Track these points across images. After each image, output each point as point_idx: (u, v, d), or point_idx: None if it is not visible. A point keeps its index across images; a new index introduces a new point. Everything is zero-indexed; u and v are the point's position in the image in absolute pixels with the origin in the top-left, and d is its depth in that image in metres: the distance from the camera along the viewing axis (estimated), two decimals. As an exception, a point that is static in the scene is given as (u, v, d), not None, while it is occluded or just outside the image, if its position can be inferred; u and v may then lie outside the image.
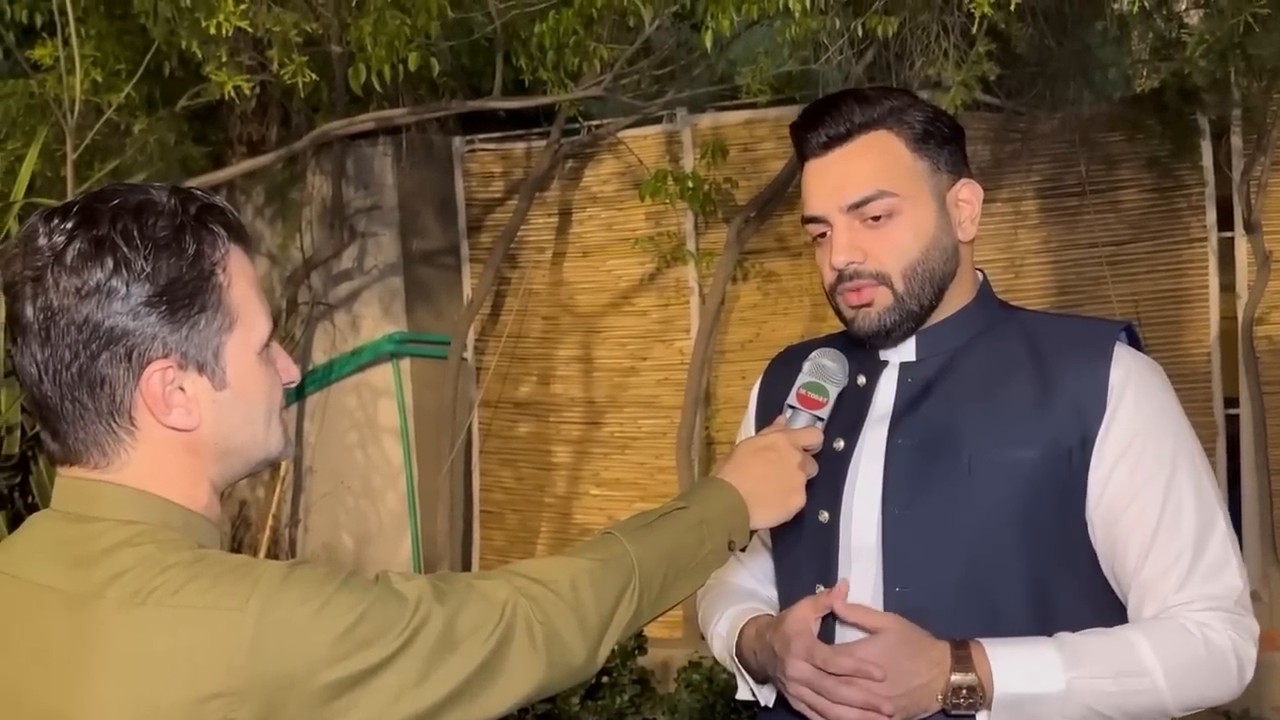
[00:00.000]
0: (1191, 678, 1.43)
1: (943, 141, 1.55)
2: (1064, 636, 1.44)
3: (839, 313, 1.59)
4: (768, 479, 1.47)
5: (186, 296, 1.12)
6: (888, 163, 1.52)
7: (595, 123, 4.92)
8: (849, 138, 1.53)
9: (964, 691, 1.40)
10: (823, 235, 1.56)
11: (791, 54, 3.98)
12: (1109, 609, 1.50)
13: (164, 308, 1.11)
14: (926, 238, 1.52)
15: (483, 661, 1.16)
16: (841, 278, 1.53)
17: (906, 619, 1.46)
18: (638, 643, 4.19)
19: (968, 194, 1.56)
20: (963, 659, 1.41)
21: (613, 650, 1.31)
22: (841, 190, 1.52)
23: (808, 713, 1.48)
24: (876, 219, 1.51)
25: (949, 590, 1.48)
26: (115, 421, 1.13)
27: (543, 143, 5.02)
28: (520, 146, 5.25)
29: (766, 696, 1.60)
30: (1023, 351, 1.54)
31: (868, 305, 1.53)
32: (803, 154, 1.58)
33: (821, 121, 1.54)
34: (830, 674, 1.44)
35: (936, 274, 1.53)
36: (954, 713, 1.42)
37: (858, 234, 1.52)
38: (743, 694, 1.65)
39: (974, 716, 1.42)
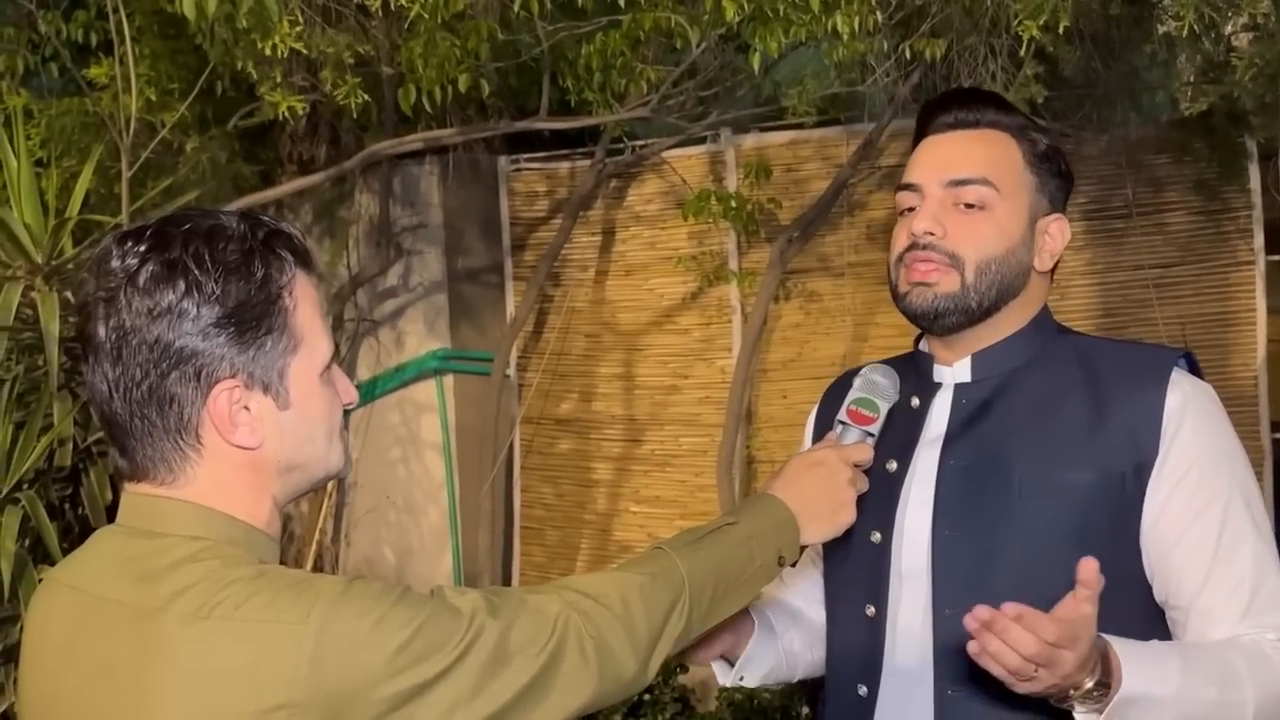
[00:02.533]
0: (1273, 699, 1.41)
1: (1055, 172, 1.59)
2: (1175, 643, 1.42)
3: (894, 289, 1.59)
4: (818, 494, 1.47)
5: (254, 319, 1.15)
6: (1002, 159, 1.55)
7: (640, 143, 4.92)
8: (976, 126, 1.57)
9: (1095, 693, 1.34)
10: (910, 209, 1.58)
11: (838, 76, 3.99)
12: (1156, 636, 1.46)
13: (232, 329, 1.14)
14: (1009, 243, 1.54)
15: (535, 675, 1.17)
16: (914, 246, 1.55)
17: (958, 643, 1.43)
18: (679, 661, 4.19)
19: (1056, 229, 1.59)
20: (1105, 662, 1.34)
21: (653, 668, 1.32)
22: (950, 164, 1.55)
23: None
24: (970, 206, 1.53)
25: None
26: (182, 439, 1.16)
27: (587, 162, 5.04)
28: (565, 166, 5.28)
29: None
30: (1078, 376, 1.54)
31: (930, 284, 1.54)
32: (923, 130, 1.61)
33: (958, 104, 1.58)
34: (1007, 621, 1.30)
35: (1006, 281, 1.54)
36: (1062, 704, 1.36)
37: (947, 212, 1.54)
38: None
39: (1073, 707, 1.35)
